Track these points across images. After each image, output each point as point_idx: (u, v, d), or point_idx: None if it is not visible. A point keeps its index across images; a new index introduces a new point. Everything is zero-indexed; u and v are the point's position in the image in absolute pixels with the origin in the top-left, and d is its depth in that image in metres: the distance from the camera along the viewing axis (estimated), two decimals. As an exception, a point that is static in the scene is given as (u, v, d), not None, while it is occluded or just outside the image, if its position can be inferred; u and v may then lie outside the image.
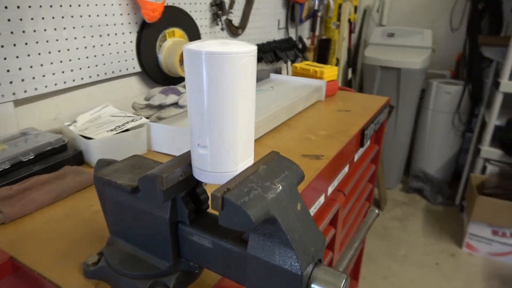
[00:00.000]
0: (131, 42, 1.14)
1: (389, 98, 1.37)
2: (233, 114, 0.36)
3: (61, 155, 0.80)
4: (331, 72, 1.32)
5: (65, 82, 0.99)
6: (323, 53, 2.22)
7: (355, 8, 2.60)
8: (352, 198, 1.18)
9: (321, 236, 0.41)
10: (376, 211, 0.55)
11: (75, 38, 0.99)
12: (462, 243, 2.17)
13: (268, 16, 1.77)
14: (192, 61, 0.36)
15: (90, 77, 1.05)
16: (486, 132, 2.19)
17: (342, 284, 0.38)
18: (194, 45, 0.36)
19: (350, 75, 2.71)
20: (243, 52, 0.35)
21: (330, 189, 0.97)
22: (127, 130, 0.86)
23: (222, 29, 1.47)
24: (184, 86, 1.23)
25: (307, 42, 2.16)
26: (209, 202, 0.48)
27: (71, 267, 0.53)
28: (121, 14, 1.09)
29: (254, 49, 0.36)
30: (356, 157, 1.17)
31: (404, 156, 2.81)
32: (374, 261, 2.04)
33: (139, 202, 0.46)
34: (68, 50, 0.98)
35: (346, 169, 1.07)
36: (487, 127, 2.18)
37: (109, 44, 1.08)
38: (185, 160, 0.42)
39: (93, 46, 1.04)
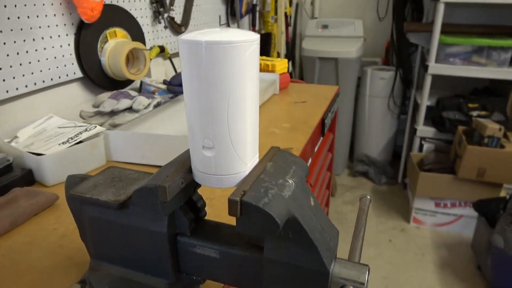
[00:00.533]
0: (68, 45, 1.04)
1: (339, 87, 1.40)
2: (241, 108, 0.33)
3: (7, 177, 0.70)
4: (282, 65, 1.32)
5: (-3, 94, 0.87)
6: (265, 47, 2.23)
7: (290, 2, 2.64)
8: (316, 187, 1.19)
9: (335, 229, 0.40)
10: (368, 197, 0.55)
11: (4, 43, 0.88)
12: (409, 218, 2.31)
13: (209, 12, 1.72)
14: (191, 54, 0.32)
15: (26, 86, 0.93)
16: (419, 112, 2.35)
17: (366, 275, 0.37)
18: (191, 35, 0.32)
19: (290, 67, 2.75)
20: (249, 40, 0.31)
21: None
22: (81, 141, 0.78)
23: (166, 27, 1.40)
24: (132, 89, 1.15)
25: (248, 37, 2.14)
26: (206, 208, 0.45)
27: (48, 302, 0.46)
28: (54, 15, 0.99)
29: (257, 37, 0.33)
30: (316, 147, 1.18)
31: (347, 142, 2.92)
32: (333, 246, 2.10)
33: (130, 219, 0.41)
34: (-2, 57, 0.86)
35: (310, 159, 1.08)
36: (420, 108, 2.33)
37: (45, 49, 0.97)
38: (183, 164, 0.38)
39: (26, 52, 0.93)
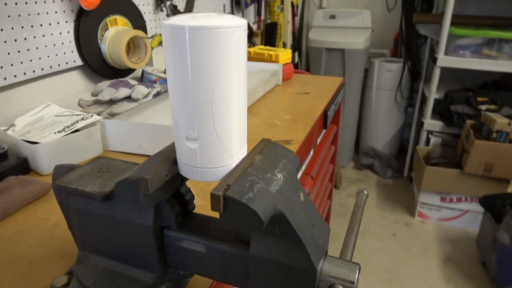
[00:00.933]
0: (68, 32, 1.03)
1: (343, 78, 1.37)
2: (227, 99, 0.32)
3: (1, 165, 0.69)
4: (285, 55, 1.30)
5: (-5, 81, 0.86)
6: (270, 37, 2.20)
7: (297, -9, 2.60)
8: (318, 180, 1.18)
9: (326, 226, 0.38)
10: (365, 192, 0.53)
11: (1, 29, 0.86)
12: (414, 212, 2.29)
13: (213, 0, 1.70)
14: (174, 39, 0.30)
15: (24, 74, 0.93)
16: (427, 105, 2.30)
17: (356, 274, 0.35)
18: (174, 20, 0.30)
19: (296, 58, 2.72)
20: (235, 25, 0.30)
21: (299, 173, 0.95)
22: (77, 130, 0.77)
23: (168, 15, 1.38)
24: (134, 78, 1.14)
25: (254, 27, 2.11)
26: (195, 201, 0.43)
27: (35, 293, 0.45)
28: (53, 1, 0.98)
29: (244, 22, 0.31)
30: (319, 139, 1.16)
31: (353, 135, 2.89)
32: (336, 239, 2.09)
33: (115, 211, 0.40)
34: (-4, 44, 0.85)
35: (312, 151, 1.06)
36: (428, 101, 2.29)
37: (43, 36, 0.96)
38: (168, 156, 0.37)
39: (25, 39, 0.92)
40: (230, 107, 0.32)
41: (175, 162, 0.37)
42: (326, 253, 0.38)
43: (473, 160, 1.97)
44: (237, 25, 0.30)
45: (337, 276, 0.35)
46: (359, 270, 0.36)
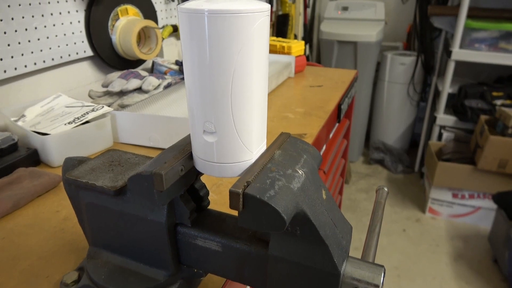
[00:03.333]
0: (79, 22, 1.01)
1: (357, 71, 1.34)
2: (247, 90, 0.30)
3: (11, 156, 0.68)
4: (298, 47, 1.27)
5: (5, 71, 0.85)
6: (281, 29, 2.16)
7: (309, -18, 2.55)
8: (329, 175, 1.16)
9: (348, 225, 0.36)
10: (385, 189, 0.51)
11: (12, 18, 0.85)
12: (425, 208, 2.26)
13: (224, -9, 1.67)
14: (192, 25, 0.28)
15: (35, 64, 0.91)
16: (440, 100, 2.26)
17: (382, 277, 0.33)
18: (192, 3, 0.28)
19: (307, 51, 2.68)
20: (258, 10, 0.28)
21: (312, 169, 0.93)
22: (87, 121, 0.76)
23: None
24: (144, 69, 1.12)
25: (265, 18, 2.08)
26: (209, 197, 0.42)
27: (44, 289, 0.44)
28: (64, -10, 0.96)
29: (268, 7, 0.29)
30: (331, 133, 1.13)
31: (363, 129, 2.86)
32: (345, 234, 2.07)
33: (127, 206, 0.38)
34: (5, 33, 0.84)
35: (324, 146, 1.04)
36: (441, 95, 2.24)
37: (54, 25, 0.95)
38: (184, 150, 0.35)
39: (35, 28, 0.90)
40: (250, 99, 0.30)
41: (190, 156, 0.35)
42: (348, 254, 0.36)
43: (487, 156, 1.93)
44: (260, 10, 0.28)
45: (360, 279, 0.33)
46: (384, 273, 0.34)
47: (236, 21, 0.27)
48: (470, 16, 2.02)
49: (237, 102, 0.30)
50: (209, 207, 0.42)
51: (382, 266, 0.34)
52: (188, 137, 0.37)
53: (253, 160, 0.33)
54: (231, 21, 0.27)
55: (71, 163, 0.43)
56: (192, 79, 0.30)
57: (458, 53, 2.09)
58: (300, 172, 0.33)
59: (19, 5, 0.86)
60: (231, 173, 0.33)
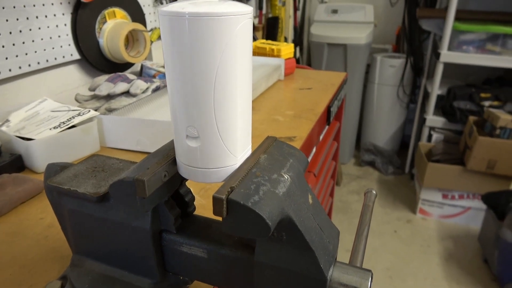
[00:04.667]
0: (65, 25, 1.00)
1: (347, 73, 1.35)
2: (231, 94, 0.29)
3: (-5, 162, 0.67)
4: (287, 49, 1.27)
5: (-11, 75, 0.84)
6: (271, 31, 2.16)
7: (298, -15, 2.56)
8: (320, 177, 1.15)
9: (335, 229, 0.36)
10: (374, 192, 0.51)
11: (-4, 22, 0.84)
12: (416, 209, 2.27)
13: (213, -6, 1.66)
14: (173, 28, 0.27)
15: (20, 67, 0.90)
16: (429, 101, 2.28)
17: (369, 282, 0.33)
18: (173, 6, 0.28)
19: (297, 53, 2.69)
20: (239, 12, 0.27)
21: (302, 171, 0.92)
22: (74, 126, 0.75)
23: (167, 8, 1.35)
24: (133, 73, 1.11)
25: (255, 21, 2.08)
26: (195, 203, 0.41)
27: (26, 299, 0.43)
28: (50, -7, 0.95)
29: (250, 9, 0.28)
30: (321, 136, 1.13)
31: (354, 131, 2.87)
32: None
33: (110, 213, 0.37)
34: (-11, 36, 0.82)
35: (314, 148, 1.04)
36: (430, 97, 2.26)
37: (39, 28, 0.93)
38: (167, 155, 0.35)
39: (20, 31, 0.89)
40: (234, 103, 0.30)
41: (174, 162, 0.34)
42: (335, 259, 0.36)
43: (476, 157, 1.95)
44: (242, 12, 0.27)
45: (348, 284, 0.33)
46: (372, 278, 0.34)
47: (218, 24, 0.27)
48: (458, 18, 2.04)
49: (220, 106, 0.29)
50: (197, 212, 0.41)
51: (370, 271, 0.34)
52: (172, 142, 0.36)
53: (237, 165, 0.32)
54: (212, 24, 0.27)
55: (54, 169, 0.42)
56: (174, 83, 0.29)
57: (447, 55, 2.11)
58: (286, 177, 0.33)
59: (3, 8, 0.84)
60: (215, 179, 0.32)
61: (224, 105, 0.29)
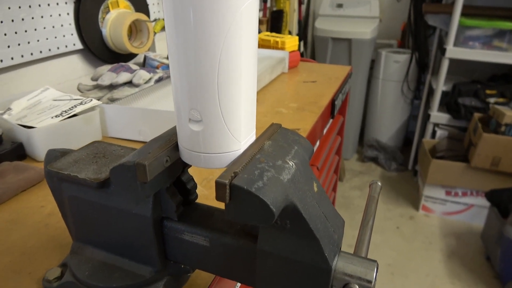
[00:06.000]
0: (68, 14, 0.99)
1: (351, 67, 1.33)
2: (235, 75, 0.28)
3: (-4, 150, 0.66)
4: (292, 42, 1.25)
5: (-9, 63, 0.83)
6: (276, 25, 2.15)
7: (303, -22, 2.54)
8: (323, 171, 1.15)
9: (340, 219, 0.35)
10: (379, 183, 0.50)
11: (-2, 10, 0.83)
12: (418, 205, 2.26)
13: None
14: (176, 6, 0.26)
15: (22, 56, 0.89)
16: (434, 98, 2.26)
17: (374, 273, 0.32)
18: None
19: (302, 47, 2.67)
20: (246, -9, 0.26)
21: (305, 164, 0.92)
22: (75, 115, 0.74)
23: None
24: (136, 64, 1.10)
25: (259, 14, 2.07)
26: (197, 191, 0.40)
27: (27, 286, 0.42)
28: (53, -19, 0.94)
29: (256, -11, 0.27)
30: (325, 130, 1.12)
31: (357, 126, 2.85)
32: (339, 231, 2.07)
33: (110, 199, 0.37)
34: (-9, 24, 0.82)
35: (318, 142, 1.03)
36: (435, 93, 2.25)
37: (42, 17, 0.92)
38: (169, 140, 0.34)
39: (22, 19, 0.88)
40: (238, 85, 0.29)
41: (176, 147, 0.33)
42: (340, 248, 0.35)
43: (480, 154, 1.93)
44: (248, -9, 0.26)
45: (353, 274, 0.32)
46: (377, 268, 0.33)
47: (223, 1, 0.26)
48: (464, 14, 2.02)
49: (224, 89, 0.28)
50: (199, 202, 0.41)
51: (375, 261, 0.33)
52: (175, 128, 0.36)
53: (241, 151, 0.32)
54: (217, 1, 0.26)
55: (54, 155, 0.41)
56: (177, 63, 0.28)
57: (452, 51, 2.09)
58: (291, 164, 0.32)
59: (6, -5, 0.83)
60: (218, 164, 0.31)
61: (228, 87, 0.28)
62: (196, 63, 0.27)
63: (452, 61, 2.11)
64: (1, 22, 0.83)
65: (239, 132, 0.31)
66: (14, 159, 0.67)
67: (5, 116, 0.75)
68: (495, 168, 1.95)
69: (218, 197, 0.28)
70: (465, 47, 2.07)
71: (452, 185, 2.11)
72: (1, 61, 0.85)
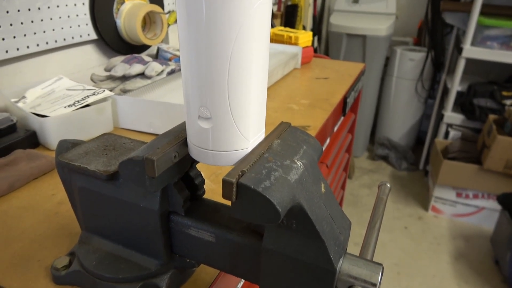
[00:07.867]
0: (83, 4, 1.00)
1: (365, 65, 1.32)
2: (245, 74, 0.28)
3: (10, 137, 0.68)
4: (306, 37, 1.24)
5: (7, 52, 0.84)
6: (290, 19, 2.13)
7: (320, -27, 2.51)
8: (332, 169, 1.14)
9: (347, 220, 0.35)
10: (388, 185, 0.50)
11: (16, -2, 0.84)
12: (428, 206, 2.24)
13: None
14: (189, 2, 0.26)
15: (37, 45, 0.90)
16: (448, 97, 2.23)
17: (379, 276, 0.32)
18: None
19: (315, 43, 2.65)
20: (259, -11, 0.26)
21: (315, 162, 0.91)
22: (88, 105, 0.75)
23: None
24: (149, 55, 1.11)
25: (274, 8, 2.05)
26: (205, 186, 0.40)
27: (35, 272, 0.43)
28: (69, -29, 0.94)
29: (270, -13, 0.27)
30: (336, 127, 1.12)
31: (369, 124, 2.83)
32: (346, 229, 2.06)
33: (119, 192, 0.37)
34: (8, 12, 0.82)
35: (328, 139, 1.02)
36: (450, 93, 2.21)
37: (58, 6, 0.93)
38: (178, 136, 0.34)
39: (38, 9, 0.89)
40: (248, 84, 0.29)
41: (185, 143, 0.34)
42: (346, 250, 0.35)
43: (493, 156, 1.90)
44: (261, -11, 0.26)
45: (357, 277, 0.32)
46: (383, 272, 0.33)
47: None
48: (483, 13, 1.98)
49: (234, 87, 0.28)
50: (207, 196, 0.41)
51: (381, 264, 0.33)
52: (184, 123, 0.36)
53: (249, 149, 0.32)
54: None
55: (65, 146, 0.42)
56: (187, 60, 0.28)
57: (469, 51, 2.05)
58: (299, 164, 0.32)
59: (23, -16, 0.84)
60: (226, 162, 0.31)
61: (238, 85, 0.28)
62: (207, 60, 0.27)
63: (469, 61, 2.08)
64: (18, 11, 0.84)
65: (248, 130, 0.31)
66: (27, 147, 0.69)
67: (20, 104, 0.77)
68: (508, 171, 1.92)
69: (225, 195, 0.28)
70: (483, 47, 2.03)
71: (463, 186, 2.09)
72: (18, 49, 0.86)
